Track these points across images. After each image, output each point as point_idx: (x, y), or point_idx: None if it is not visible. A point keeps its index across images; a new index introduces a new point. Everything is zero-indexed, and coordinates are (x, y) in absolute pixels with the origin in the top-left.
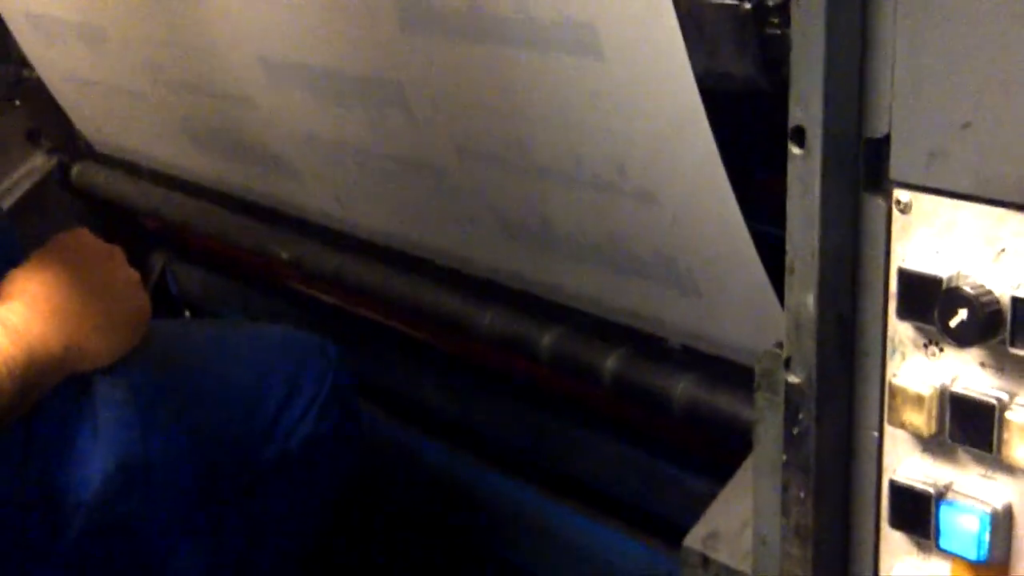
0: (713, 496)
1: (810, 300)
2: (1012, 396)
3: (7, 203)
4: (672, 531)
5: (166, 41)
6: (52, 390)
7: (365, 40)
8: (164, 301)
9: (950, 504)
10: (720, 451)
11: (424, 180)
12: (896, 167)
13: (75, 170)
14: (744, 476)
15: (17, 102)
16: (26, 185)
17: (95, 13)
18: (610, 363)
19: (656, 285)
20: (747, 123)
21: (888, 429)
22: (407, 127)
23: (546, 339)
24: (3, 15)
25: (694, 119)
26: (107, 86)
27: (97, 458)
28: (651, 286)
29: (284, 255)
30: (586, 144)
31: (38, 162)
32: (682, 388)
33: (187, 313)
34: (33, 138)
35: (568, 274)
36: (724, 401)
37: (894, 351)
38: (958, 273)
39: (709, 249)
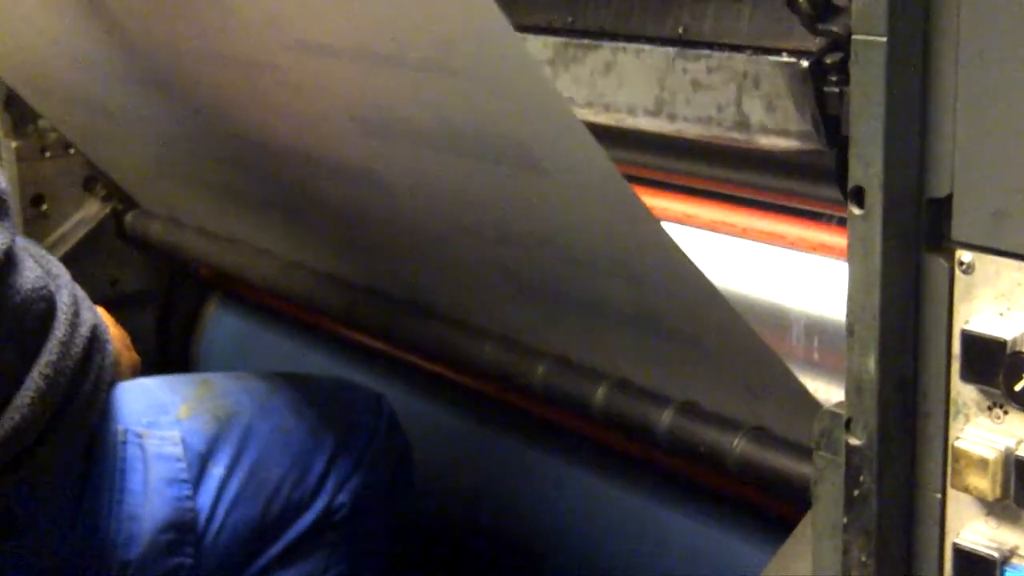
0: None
1: (871, 362)
2: None
3: (62, 249)
4: None
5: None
6: (103, 444)
7: None
8: (215, 349)
9: (1015, 569)
10: (776, 508)
11: None
12: (959, 227)
13: (129, 218)
14: (802, 535)
15: (72, 150)
16: (81, 232)
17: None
18: (664, 417)
19: None
20: None
21: (951, 492)
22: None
23: (599, 393)
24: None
25: None
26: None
27: (146, 516)
28: None
29: (335, 304)
30: None
31: (93, 209)
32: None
33: (238, 360)
34: (89, 186)
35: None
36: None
37: (957, 413)
38: (1023, 335)
39: None
